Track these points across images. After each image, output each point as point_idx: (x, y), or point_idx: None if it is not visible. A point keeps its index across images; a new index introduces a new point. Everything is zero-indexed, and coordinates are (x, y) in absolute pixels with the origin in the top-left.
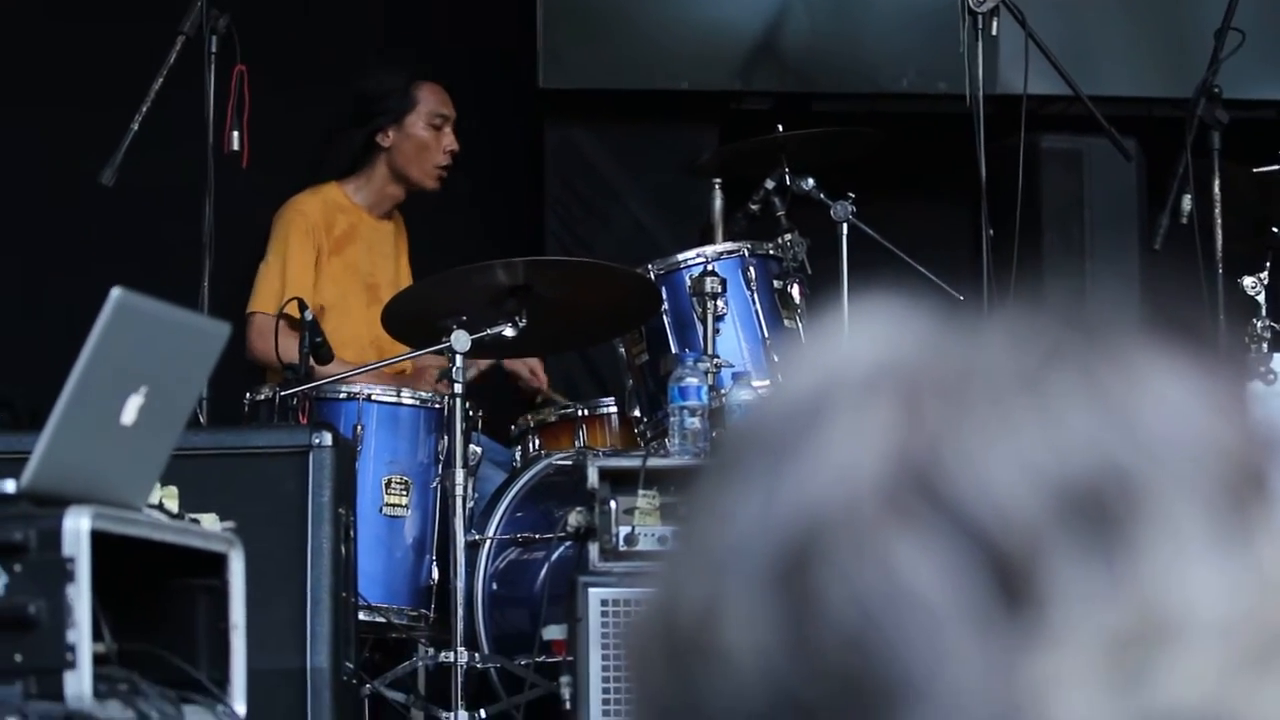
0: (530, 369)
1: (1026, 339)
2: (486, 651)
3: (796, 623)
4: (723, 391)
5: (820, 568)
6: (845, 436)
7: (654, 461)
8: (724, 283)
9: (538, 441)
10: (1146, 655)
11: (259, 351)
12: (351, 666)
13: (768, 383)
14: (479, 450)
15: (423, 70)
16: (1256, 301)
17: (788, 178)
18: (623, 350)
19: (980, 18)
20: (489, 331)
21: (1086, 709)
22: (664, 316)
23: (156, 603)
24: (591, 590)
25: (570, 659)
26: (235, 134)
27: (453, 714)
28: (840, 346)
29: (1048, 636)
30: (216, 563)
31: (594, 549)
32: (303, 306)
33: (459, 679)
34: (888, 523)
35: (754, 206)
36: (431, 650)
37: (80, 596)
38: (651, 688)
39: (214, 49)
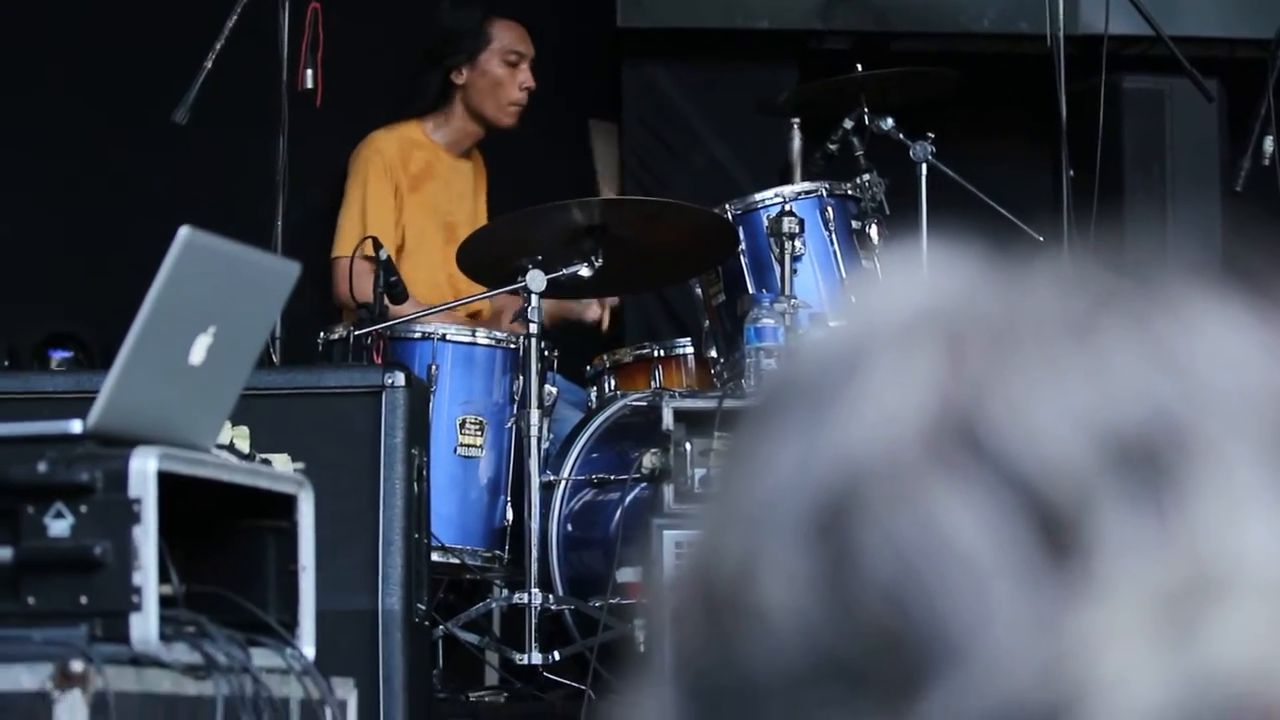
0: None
1: (1075, 284)
2: (561, 593)
3: (834, 579)
4: (800, 332)
5: (859, 521)
6: (885, 384)
7: (730, 403)
8: (802, 223)
9: (613, 382)
10: (1197, 610)
11: (343, 296)
12: (424, 608)
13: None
14: (554, 390)
15: (497, 7)
16: None
17: (866, 117)
18: (699, 291)
19: None
20: (565, 271)
21: (1134, 664)
22: (741, 257)
23: (225, 544)
24: (666, 533)
25: (645, 601)
26: (309, 72)
27: (526, 655)
28: (881, 294)
29: (1094, 590)
30: (286, 504)
31: (669, 491)
32: (377, 245)
33: (533, 620)
34: (929, 473)
35: (832, 146)
36: (506, 592)
37: (147, 538)
38: (689, 646)
39: None
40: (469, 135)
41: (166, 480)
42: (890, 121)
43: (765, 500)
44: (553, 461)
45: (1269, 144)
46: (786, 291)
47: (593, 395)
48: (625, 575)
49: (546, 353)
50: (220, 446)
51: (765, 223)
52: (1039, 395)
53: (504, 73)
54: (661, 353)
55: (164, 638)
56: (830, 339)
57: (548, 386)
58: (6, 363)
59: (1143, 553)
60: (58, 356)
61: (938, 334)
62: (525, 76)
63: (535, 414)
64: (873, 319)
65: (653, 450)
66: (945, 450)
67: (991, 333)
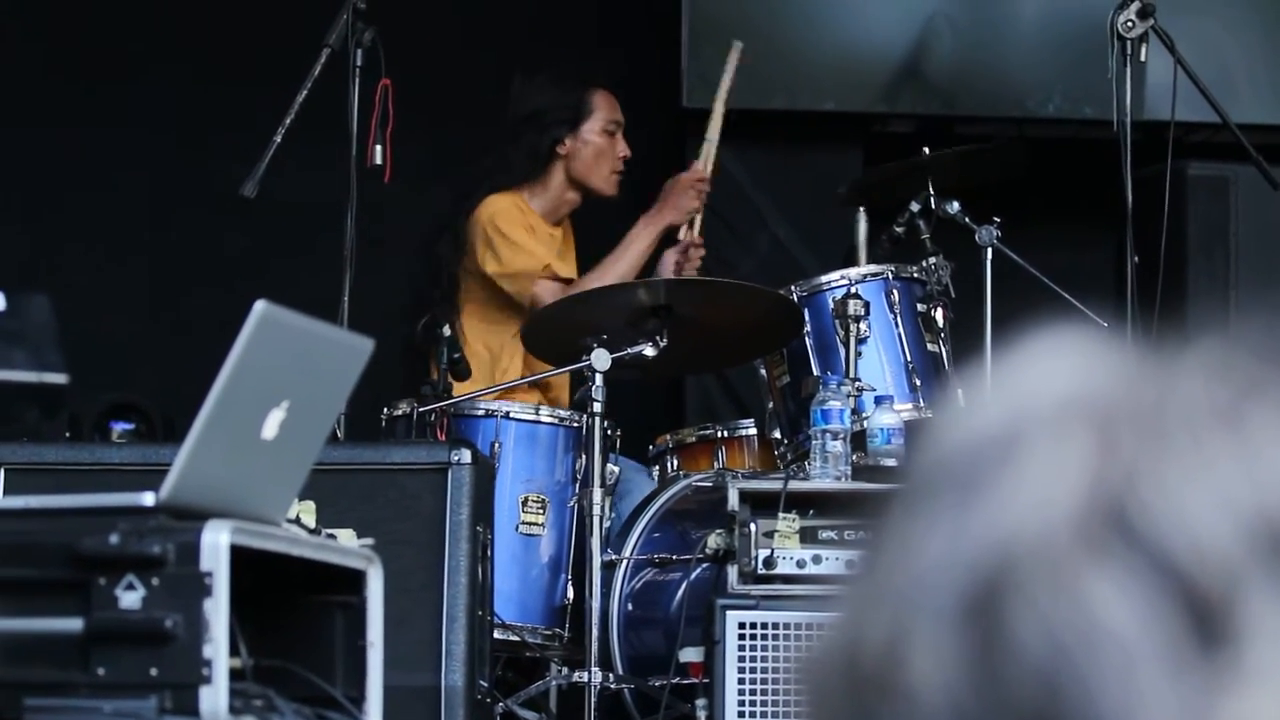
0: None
1: (1222, 372)
2: (621, 672)
3: (985, 659)
4: (864, 415)
5: (1011, 603)
6: (1039, 469)
7: (795, 484)
8: (867, 305)
9: (676, 462)
10: None
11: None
12: (485, 685)
13: (910, 407)
14: (617, 470)
15: (596, 78)
16: None
17: (932, 201)
18: (764, 372)
19: (1129, 43)
20: (629, 350)
21: None
22: (806, 338)
23: (293, 619)
24: (729, 613)
25: (706, 681)
26: (378, 148)
27: None
28: (1031, 377)
29: (1243, 678)
30: (355, 579)
31: (732, 571)
32: (440, 324)
33: (592, 699)
34: (1082, 558)
35: (898, 229)
36: (565, 670)
37: (218, 611)
38: None
39: (359, 62)
40: (566, 204)
41: (237, 554)
42: (956, 205)
43: (915, 580)
44: (614, 540)
45: None
46: (851, 374)
47: (655, 475)
48: (687, 655)
49: (609, 432)
50: (287, 521)
51: (830, 305)
52: (1189, 482)
53: (605, 142)
54: (725, 433)
55: (233, 711)
56: (982, 421)
57: (610, 465)
58: (68, 434)
59: None
60: (119, 428)
61: (1090, 420)
62: (623, 146)
63: (598, 492)
64: (1025, 403)
65: (717, 531)
66: (1097, 535)
67: (1142, 419)
